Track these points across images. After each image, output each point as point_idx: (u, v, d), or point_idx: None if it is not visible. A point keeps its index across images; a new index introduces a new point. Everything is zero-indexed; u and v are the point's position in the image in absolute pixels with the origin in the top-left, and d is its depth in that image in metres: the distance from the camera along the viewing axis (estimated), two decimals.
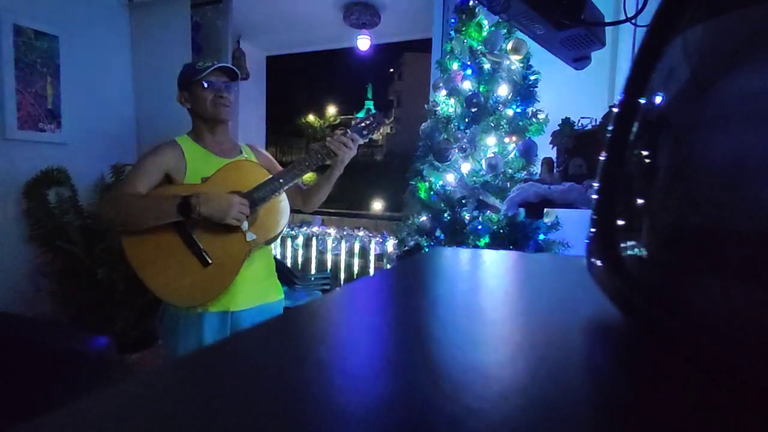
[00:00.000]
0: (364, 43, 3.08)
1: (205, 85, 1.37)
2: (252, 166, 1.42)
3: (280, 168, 1.54)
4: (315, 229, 2.86)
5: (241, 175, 1.37)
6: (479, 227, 1.72)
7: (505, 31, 1.77)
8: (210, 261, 1.29)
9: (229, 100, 1.41)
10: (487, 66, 1.80)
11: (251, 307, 1.39)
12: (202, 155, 1.39)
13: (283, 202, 1.42)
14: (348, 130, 1.42)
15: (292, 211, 1.47)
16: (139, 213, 1.24)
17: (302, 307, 0.25)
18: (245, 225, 1.32)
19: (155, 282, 1.26)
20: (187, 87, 1.39)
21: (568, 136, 1.21)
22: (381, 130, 1.46)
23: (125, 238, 1.27)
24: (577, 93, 1.82)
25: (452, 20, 1.92)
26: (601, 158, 0.23)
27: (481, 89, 1.80)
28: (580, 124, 1.24)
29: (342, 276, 2.80)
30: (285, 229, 1.48)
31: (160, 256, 1.27)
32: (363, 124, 1.46)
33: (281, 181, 1.35)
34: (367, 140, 1.45)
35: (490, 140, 1.76)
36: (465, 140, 1.78)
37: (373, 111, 1.55)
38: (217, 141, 1.43)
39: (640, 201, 0.21)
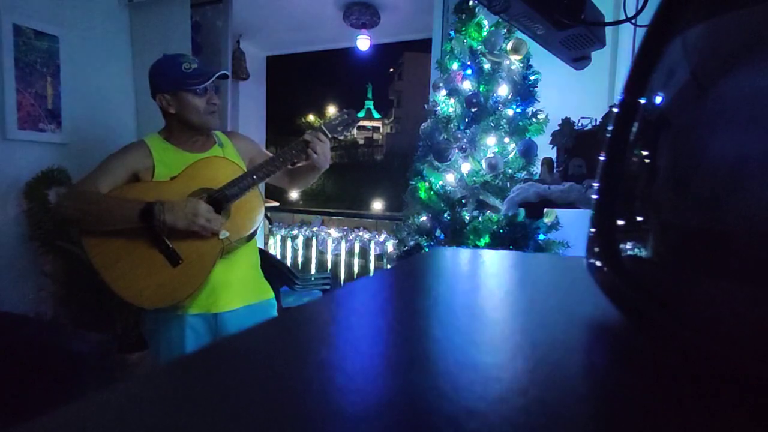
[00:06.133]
0: (364, 43, 3.09)
1: (198, 91, 1.28)
2: (223, 162, 1.33)
3: (263, 150, 1.52)
4: (315, 229, 2.86)
5: (212, 172, 1.30)
6: (479, 227, 1.72)
7: (505, 31, 1.77)
8: (180, 260, 1.22)
9: (218, 106, 1.33)
10: (487, 66, 1.80)
11: (236, 309, 1.32)
12: (171, 153, 1.31)
13: (256, 198, 1.35)
14: (323, 126, 1.38)
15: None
16: (100, 213, 1.19)
17: (302, 307, 0.25)
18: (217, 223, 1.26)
19: (119, 284, 1.19)
20: (171, 90, 1.28)
21: (568, 136, 1.21)
22: (354, 128, 1.43)
23: (86, 236, 1.20)
24: (577, 93, 1.82)
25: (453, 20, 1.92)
26: (601, 158, 0.23)
27: (481, 89, 1.80)
28: (580, 124, 1.24)
29: (342, 276, 2.80)
30: (260, 225, 1.43)
31: (124, 255, 1.20)
32: (338, 121, 1.42)
33: (254, 177, 1.29)
34: (342, 137, 1.42)
35: (490, 140, 1.76)
36: (465, 140, 1.78)
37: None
38: (191, 138, 1.34)
39: (639, 201, 0.21)
